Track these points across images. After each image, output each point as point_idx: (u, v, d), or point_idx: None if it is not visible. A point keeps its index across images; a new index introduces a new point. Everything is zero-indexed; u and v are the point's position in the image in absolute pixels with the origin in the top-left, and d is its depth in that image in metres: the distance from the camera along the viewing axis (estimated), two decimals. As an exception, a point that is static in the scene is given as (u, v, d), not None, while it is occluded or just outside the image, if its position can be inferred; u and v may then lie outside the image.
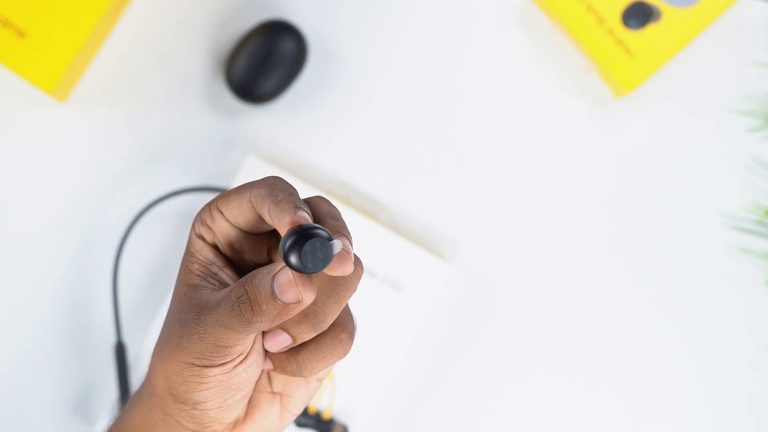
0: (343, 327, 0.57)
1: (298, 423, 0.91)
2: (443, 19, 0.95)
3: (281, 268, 0.53)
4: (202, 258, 0.58)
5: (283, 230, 0.53)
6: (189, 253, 0.58)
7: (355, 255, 0.56)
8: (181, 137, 0.93)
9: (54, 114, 0.93)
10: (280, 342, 0.56)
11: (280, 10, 0.94)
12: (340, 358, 0.57)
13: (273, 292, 0.53)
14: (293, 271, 0.52)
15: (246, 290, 0.53)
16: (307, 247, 0.51)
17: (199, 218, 0.58)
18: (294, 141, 0.94)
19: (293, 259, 0.51)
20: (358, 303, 0.91)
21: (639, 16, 0.91)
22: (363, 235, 0.92)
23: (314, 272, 0.52)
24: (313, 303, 0.55)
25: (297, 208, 0.53)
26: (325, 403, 0.91)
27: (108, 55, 0.93)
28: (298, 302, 0.53)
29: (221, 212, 0.57)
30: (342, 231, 0.54)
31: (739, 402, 0.94)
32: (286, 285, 0.52)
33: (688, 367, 0.94)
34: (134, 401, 0.60)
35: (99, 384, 0.92)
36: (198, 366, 0.55)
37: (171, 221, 0.92)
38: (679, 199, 0.95)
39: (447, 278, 0.93)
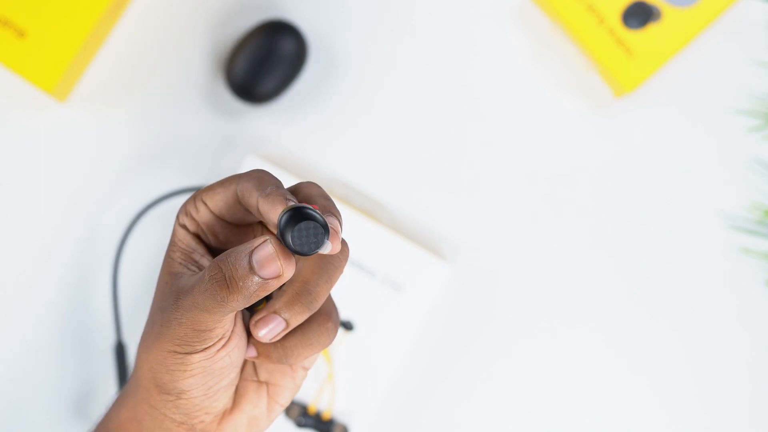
0: (329, 315, 0.57)
1: (298, 423, 0.91)
2: (443, 20, 0.95)
3: (261, 243, 0.52)
4: (184, 246, 0.58)
5: (273, 222, 0.53)
6: (172, 243, 0.58)
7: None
8: (181, 137, 0.93)
9: (54, 114, 0.93)
10: (272, 328, 0.55)
11: (280, 10, 0.94)
12: (326, 346, 0.58)
13: (251, 268, 0.52)
14: (275, 245, 0.52)
15: (221, 268, 0.53)
16: (302, 226, 0.51)
17: (184, 209, 0.58)
18: (294, 141, 0.94)
19: (290, 238, 0.51)
20: (358, 303, 0.91)
21: (639, 15, 0.91)
22: (363, 235, 0.92)
23: (310, 253, 0.52)
24: (306, 283, 0.55)
25: (287, 199, 0.53)
26: (325, 403, 0.91)
27: (108, 55, 0.93)
28: (278, 276, 0.52)
29: (205, 204, 0.57)
30: (332, 211, 0.55)
31: (738, 404, 0.94)
32: (267, 259, 0.52)
33: (686, 367, 0.94)
34: (121, 397, 0.60)
35: (99, 384, 0.92)
36: (180, 353, 0.55)
37: (171, 221, 0.92)
38: (678, 199, 0.95)
39: (447, 278, 0.93)
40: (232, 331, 0.56)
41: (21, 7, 0.87)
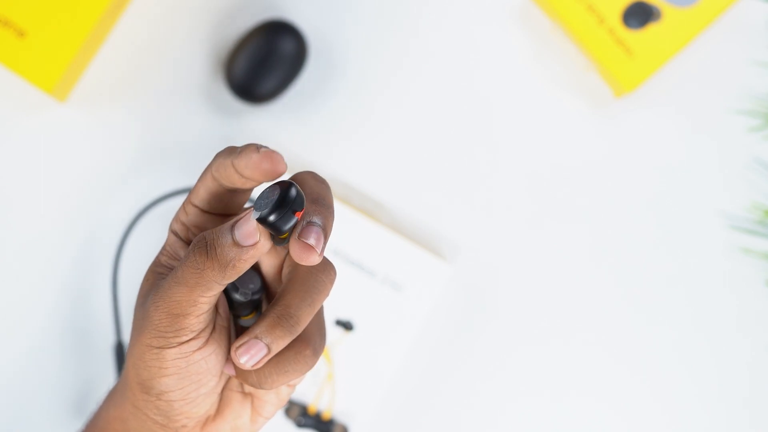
0: (308, 342, 0.57)
1: (298, 423, 0.91)
2: (443, 20, 0.95)
3: (245, 213, 0.53)
4: (171, 251, 0.58)
5: (251, 171, 0.54)
6: (162, 248, 0.59)
7: (327, 259, 0.56)
8: (181, 137, 0.93)
9: (54, 114, 0.93)
10: (254, 354, 0.55)
11: (280, 10, 0.94)
12: (303, 374, 0.57)
13: (231, 234, 0.53)
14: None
15: (204, 236, 0.53)
16: (268, 190, 0.51)
17: (175, 216, 0.59)
18: (294, 141, 0.94)
19: (260, 208, 0.52)
20: (358, 303, 0.91)
21: (639, 15, 0.91)
22: (363, 235, 0.92)
23: (275, 226, 0.51)
24: (287, 306, 0.55)
25: (258, 146, 0.54)
26: (325, 403, 0.91)
27: (108, 55, 0.93)
28: (254, 245, 0.52)
29: (192, 203, 0.58)
30: (322, 213, 0.54)
31: (739, 405, 0.94)
32: (245, 222, 0.53)
33: (686, 367, 0.94)
34: (111, 395, 0.61)
35: (99, 384, 0.92)
36: (156, 347, 0.55)
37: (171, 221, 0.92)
38: (679, 199, 0.95)
39: (447, 278, 0.93)
40: (210, 336, 0.56)
41: (21, 7, 0.87)
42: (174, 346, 0.55)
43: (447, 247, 0.94)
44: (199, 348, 0.56)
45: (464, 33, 0.95)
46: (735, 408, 0.94)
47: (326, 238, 0.53)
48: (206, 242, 0.53)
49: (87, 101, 0.93)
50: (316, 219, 0.53)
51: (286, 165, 0.54)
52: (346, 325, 0.91)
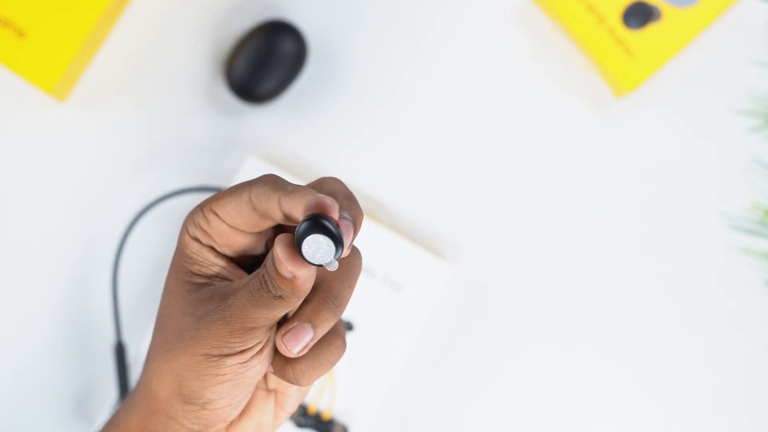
0: (338, 333, 0.57)
1: (298, 423, 0.91)
2: (443, 19, 0.95)
3: (277, 252, 0.53)
4: (200, 259, 0.57)
5: (302, 214, 0.53)
6: (185, 255, 0.58)
7: (355, 246, 0.56)
8: (181, 137, 0.93)
9: (54, 114, 0.93)
10: (301, 338, 0.55)
11: (280, 10, 0.94)
12: (335, 364, 0.57)
13: (278, 270, 0.53)
14: (284, 251, 0.53)
15: (267, 269, 0.54)
16: (312, 239, 0.51)
17: (192, 221, 0.57)
18: (294, 141, 0.94)
19: (300, 247, 0.52)
20: (358, 303, 0.91)
21: (639, 15, 0.91)
22: (363, 235, 0.92)
23: (317, 265, 0.52)
24: (330, 289, 0.55)
25: (314, 194, 0.53)
26: (325, 403, 0.91)
27: (108, 55, 0.93)
28: (293, 278, 0.53)
29: (216, 214, 0.57)
30: (351, 212, 0.54)
31: (740, 405, 0.94)
32: (279, 264, 0.53)
33: (685, 368, 0.94)
34: (129, 406, 0.60)
35: (99, 384, 0.92)
36: (215, 356, 0.55)
37: (171, 221, 0.92)
38: (678, 199, 0.95)
39: (447, 278, 0.93)
40: (267, 339, 0.56)
41: (21, 7, 0.87)
42: (236, 353, 0.55)
43: (447, 247, 0.94)
44: (258, 352, 0.56)
45: (464, 33, 0.95)
46: (735, 408, 0.94)
47: (356, 231, 0.54)
48: (270, 276, 0.54)
49: (87, 101, 0.93)
50: (346, 214, 0.54)
51: (338, 213, 0.54)
52: (347, 326, 0.91)
